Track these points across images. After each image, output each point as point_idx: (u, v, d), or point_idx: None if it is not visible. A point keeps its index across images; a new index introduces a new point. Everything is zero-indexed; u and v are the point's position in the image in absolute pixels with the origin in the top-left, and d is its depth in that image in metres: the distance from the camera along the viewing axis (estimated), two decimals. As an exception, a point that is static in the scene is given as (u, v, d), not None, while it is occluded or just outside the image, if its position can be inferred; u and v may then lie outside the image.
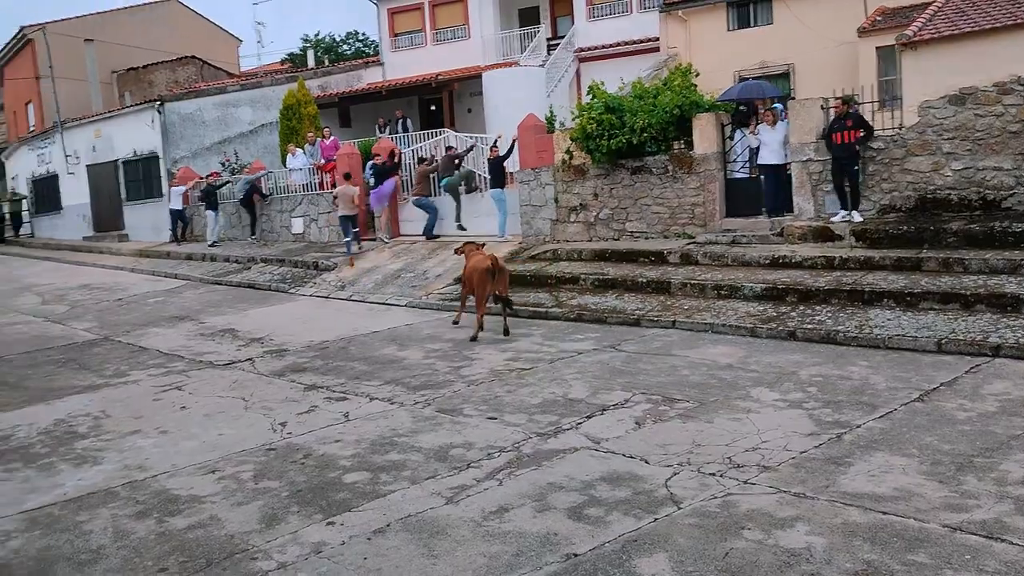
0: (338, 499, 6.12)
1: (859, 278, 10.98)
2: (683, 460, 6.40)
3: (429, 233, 17.62)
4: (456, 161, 17.70)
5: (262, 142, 26.38)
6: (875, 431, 6.78)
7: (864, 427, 6.89)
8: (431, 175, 18.03)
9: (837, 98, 12.93)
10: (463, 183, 17.48)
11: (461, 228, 17.01)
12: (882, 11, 20.14)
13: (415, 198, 18.00)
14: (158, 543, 5.61)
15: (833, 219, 12.63)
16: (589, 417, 7.61)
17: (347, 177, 18.35)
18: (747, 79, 16.36)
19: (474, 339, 11.10)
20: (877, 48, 19.18)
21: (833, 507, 5.43)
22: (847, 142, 12.42)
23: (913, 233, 11.60)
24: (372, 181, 18.42)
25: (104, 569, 5.30)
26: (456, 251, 12.60)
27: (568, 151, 15.57)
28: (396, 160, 18.63)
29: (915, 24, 17.22)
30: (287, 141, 22.48)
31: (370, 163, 18.90)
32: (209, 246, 22.17)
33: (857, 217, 12.42)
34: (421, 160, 18.87)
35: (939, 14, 17.46)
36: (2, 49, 39.99)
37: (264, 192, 22.00)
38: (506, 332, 11.24)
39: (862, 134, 12.45)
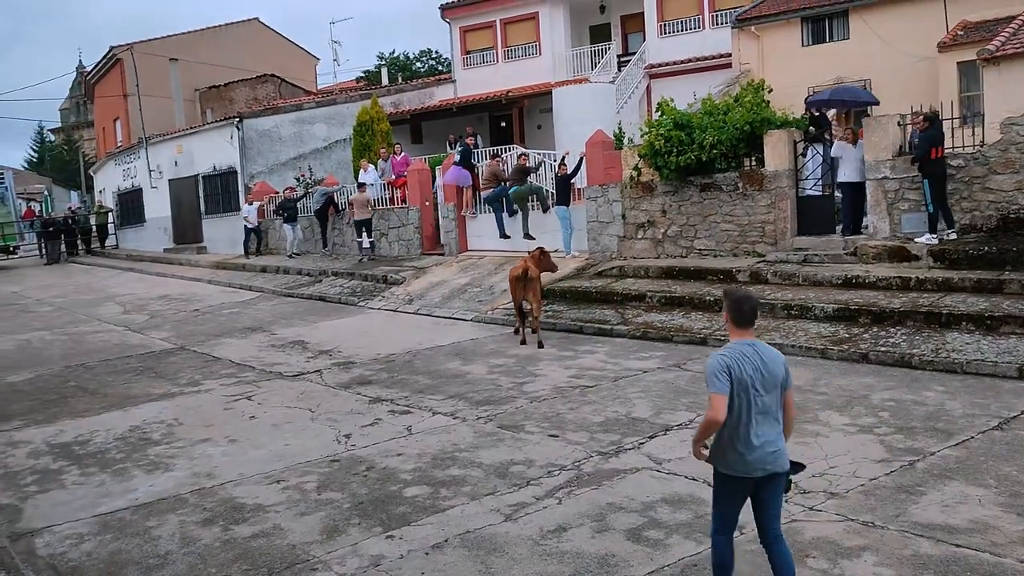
0: (398, 512, 6.17)
1: (936, 300, 10.62)
2: (747, 484, 6.26)
3: (502, 231, 17.92)
4: (526, 173, 17.78)
5: (336, 158, 26.92)
6: (950, 459, 6.54)
7: (938, 455, 6.65)
8: (500, 173, 18.32)
9: (916, 114, 12.55)
10: (531, 196, 17.55)
11: (528, 237, 17.07)
12: (964, 25, 19.53)
13: (486, 193, 18.29)
14: (223, 550, 5.74)
15: (919, 239, 12.16)
16: (652, 437, 7.53)
17: (361, 187, 20.74)
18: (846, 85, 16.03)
19: (522, 342, 11.90)
20: (958, 63, 18.60)
21: (903, 538, 5.25)
22: (940, 157, 12.00)
23: (995, 254, 11.18)
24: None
25: (170, 574, 5.45)
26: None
27: (636, 168, 15.49)
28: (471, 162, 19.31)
29: (998, 38, 16.66)
30: (360, 157, 22.91)
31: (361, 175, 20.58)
32: (289, 257, 22.73)
33: (952, 235, 11.99)
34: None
35: (1025, 27, 16.86)
36: (94, 68, 41.81)
37: (338, 206, 22.47)
38: (539, 345, 11.68)
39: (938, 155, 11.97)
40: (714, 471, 4.42)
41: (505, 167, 18.58)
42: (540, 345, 11.64)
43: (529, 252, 12.82)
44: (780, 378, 4.30)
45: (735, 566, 4.51)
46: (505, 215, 17.94)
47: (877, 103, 15.91)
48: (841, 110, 16.05)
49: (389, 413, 8.93)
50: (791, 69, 20.95)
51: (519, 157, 18.06)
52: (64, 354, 13.65)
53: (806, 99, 15.04)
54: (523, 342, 12.00)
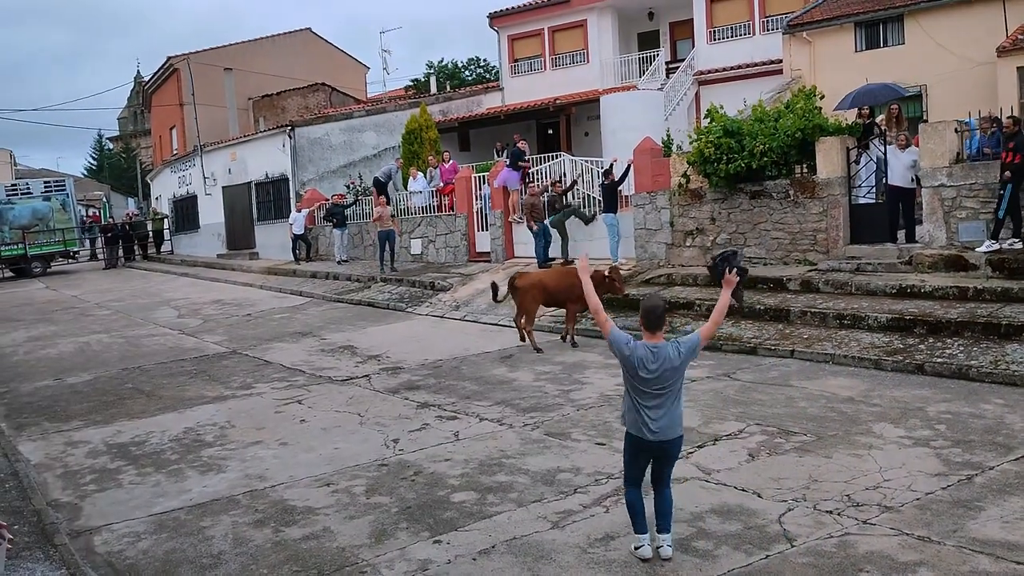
0: (445, 518, 6.20)
1: (995, 310, 10.36)
2: (798, 496, 6.18)
3: (541, 260, 17.43)
4: (561, 199, 17.39)
5: (384, 168, 27.21)
6: (1010, 474, 6.37)
7: (998, 469, 6.48)
8: (538, 206, 17.84)
9: (1009, 118, 12.21)
10: (573, 217, 17.23)
11: (568, 263, 16.71)
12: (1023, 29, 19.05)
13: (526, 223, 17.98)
14: (274, 552, 5.83)
15: (980, 247, 11.83)
16: (700, 447, 7.46)
17: (381, 196, 21.34)
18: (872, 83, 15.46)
19: (537, 350, 12.21)
20: (1018, 68, 18.14)
21: (961, 554, 5.13)
22: (1004, 163, 11.67)
23: (1057, 264, 10.87)
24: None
25: (223, 574, 5.55)
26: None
27: (685, 175, 15.39)
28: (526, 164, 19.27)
29: (1062, 42, 16.22)
30: (409, 165, 23.12)
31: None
32: (338, 263, 23.00)
33: (1017, 244, 11.65)
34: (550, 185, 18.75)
35: (1089, 31, 16.39)
36: (151, 78, 42.86)
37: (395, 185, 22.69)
38: (537, 349, 12.17)
39: (1020, 159, 11.59)
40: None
41: (543, 193, 17.74)
42: (537, 349, 12.18)
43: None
44: (675, 373, 5.10)
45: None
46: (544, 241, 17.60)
47: (904, 95, 15.62)
48: (880, 105, 15.59)
49: (436, 418, 8.99)
50: (844, 75, 20.59)
51: (553, 185, 17.60)
52: (121, 357, 13.99)
53: (835, 108, 14.77)
54: (535, 347, 12.30)
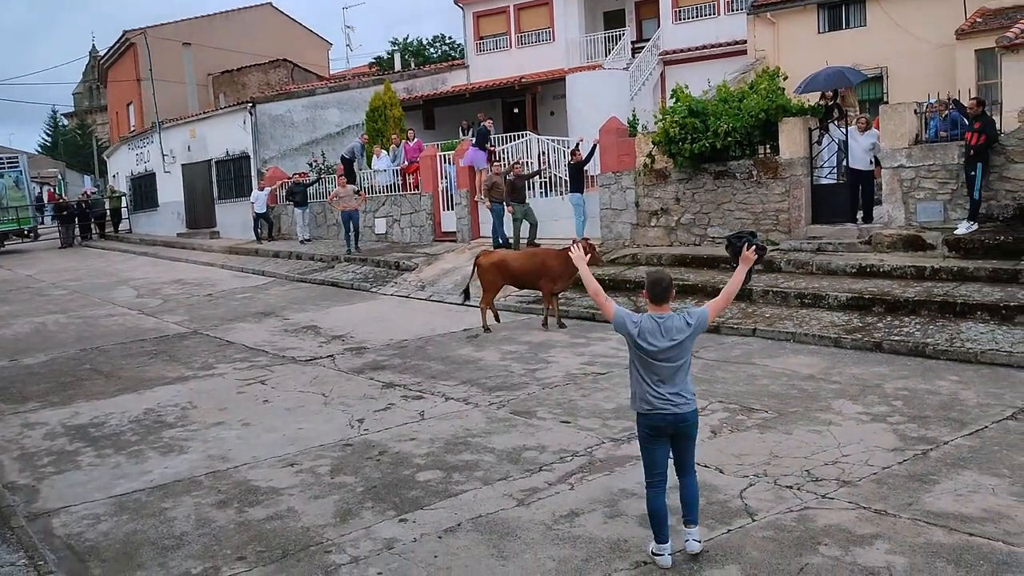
0: (411, 497, 6.20)
1: (951, 289, 10.57)
2: (759, 471, 6.28)
3: (496, 241, 17.06)
4: (523, 184, 16.88)
5: (349, 145, 26.95)
6: (963, 449, 6.52)
7: (952, 444, 6.63)
8: (500, 186, 17.48)
9: (973, 99, 12.36)
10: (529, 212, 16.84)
11: (533, 245, 16.25)
12: (982, 12, 19.32)
13: (486, 202, 17.70)
14: (237, 532, 5.79)
15: (959, 229, 11.89)
16: (664, 424, 7.52)
17: (344, 176, 21.24)
18: (831, 66, 15.36)
19: (486, 329, 12.23)
20: (976, 51, 18.42)
21: (916, 526, 5.25)
22: (970, 144, 11.83)
23: (1011, 244, 11.11)
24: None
25: (186, 555, 5.50)
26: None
27: (650, 155, 15.44)
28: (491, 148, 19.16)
29: (1017, 26, 16.49)
30: (373, 143, 22.91)
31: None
32: (301, 242, 22.78)
33: (975, 226, 11.80)
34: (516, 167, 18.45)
35: (1045, 15, 16.68)
36: (107, 52, 41.88)
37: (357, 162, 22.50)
38: (485, 328, 12.21)
39: (984, 140, 11.68)
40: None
41: (506, 173, 17.11)
42: (486, 328, 12.22)
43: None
44: (680, 339, 4.92)
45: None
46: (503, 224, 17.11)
47: (856, 82, 15.53)
48: (838, 88, 15.62)
49: (402, 398, 8.97)
50: (807, 56, 20.74)
51: (513, 167, 17.09)
52: (79, 337, 13.75)
53: (796, 90, 14.77)
54: (485, 326, 12.32)
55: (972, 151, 11.69)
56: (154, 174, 32.29)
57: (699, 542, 5.01)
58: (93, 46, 70.07)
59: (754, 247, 5.26)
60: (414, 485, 6.43)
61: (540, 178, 18.09)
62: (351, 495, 6.32)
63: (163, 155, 31.05)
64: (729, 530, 5.34)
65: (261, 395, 9.46)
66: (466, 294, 12.96)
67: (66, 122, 78.58)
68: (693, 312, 5.04)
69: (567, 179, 16.99)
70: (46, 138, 78.05)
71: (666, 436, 4.99)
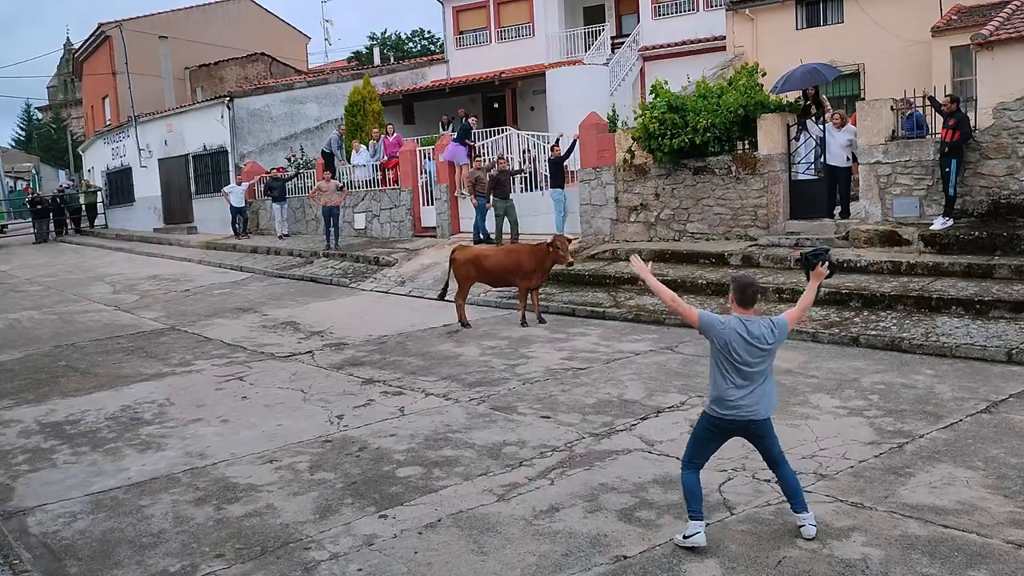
0: (391, 492, 6.19)
1: (927, 284, 10.68)
2: (738, 465, 6.32)
3: (476, 236, 17.03)
4: (507, 180, 16.75)
5: (327, 138, 26.79)
6: (939, 442, 6.60)
7: (927, 437, 6.71)
8: (482, 180, 17.44)
9: (947, 96, 12.46)
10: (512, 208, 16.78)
11: (515, 241, 16.29)
12: (957, 9, 19.50)
13: (469, 197, 17.66)
14: (216, 529, 5.76)
15: (935, 225, 11.99)
16: (644, 419, 7.56)
17: (325, 171, 20.80)
18: (806, 64, 15.23)
19: (464, 325, 12.23)
20: (951, 48, 18.58)
21: (892, 518, 5.31)
22: (945, 140, 11.93)
23: (985, 239, 11.24)
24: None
25: (164, 553, 5.46)
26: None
27: (630, 150, 15.47)
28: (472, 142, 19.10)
29: (992, 23, 16.66)
30: (352, 138, 22.80)
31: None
32: (279, 238, 22.64)
33: (949, 222, 11.90)
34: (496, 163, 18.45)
35: (1017, 12, 16.86)
36: (81, 45, 41.38)
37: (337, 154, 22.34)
38: (463, 324, 12.20)
39: (959, 136, 11.77)
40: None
41: (489, 170, 17.14)
42: (465, 325, 12.18)
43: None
44: (768, 347, 5.02)
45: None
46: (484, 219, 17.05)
47: (829, 79, 15.50)
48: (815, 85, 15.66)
49: (382, 394, 8.94)
50: (785, 52, 20.85)
51: (497, 161, 17.05)
52: (54, 334, 13.60)
53: (772, 89, 14.72)
54: (462, 322, 12.29)
55: (947, 147, 11.81)
56: (130, 168, 31.95)
57: (815, 526, 5.08)
58: (68, 39, 69.38)
59: (827, 263, 5.38)
60: (394, 481, 6.42)
61: (522, 175, 18.04)
62: (331, 491, 6.30)
63: (139, 149, 30.72)
64: (708, 524, 5.36)
65: (240, 392, 9.40)
66: (443, 293, 12.90)
67: (40, 116, 77.63)
68: (776, 321, 5.11)
69: (547, 175, 16.99)
70: (20, 132, 77.10)
71: (728, 436, 5.14)
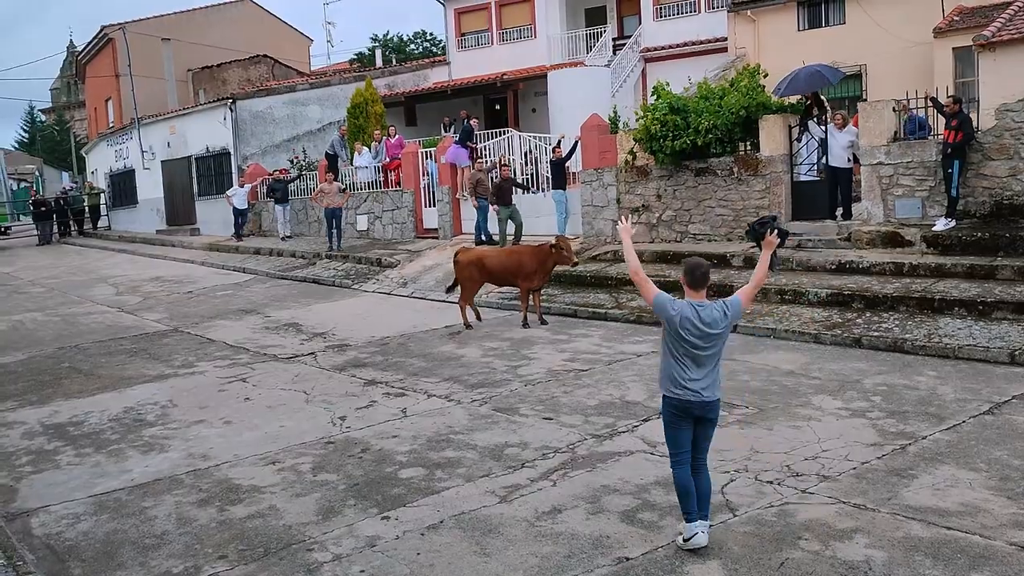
0: (393, 494, 6.20)
1: (929, 285, 10.67)
2: (740, 467, 6.32)
3: (479, 238, 17.04)
4: (509, 187, 16.53)
5: (329, 140, 26.82)
6: (941, 443, 6.59)
7: (930, 439, 6.70)
8: (484, 182, 17.40)
9: (950, 96, 12.46)
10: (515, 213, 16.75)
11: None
12: (960, 10, 19.49)
13: (471, 199, 17.60)
14: (219, 531, 5.77)
15: (937, 226, 11.97)
16: (646, 420, 7.56)
17: (328, 172, 20.93)
18: (808, 65, 15.02)
19: (467, 326, 12.28)
20: (954, 49, 18.56)
21: (895, 520, 5.30)
22: (947, 142, 11.92)
23: (988, 240, 11.23)
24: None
25: (167, 554, 5.47)
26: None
27: (631, 152, 15.47)
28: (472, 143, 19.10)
29: (994, 24, 16.63)
30: (354, 140, 22.82)
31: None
32: (282, 239, 22.67)
33: (951, 223, 11.88)
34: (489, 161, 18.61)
35: (1020, 13, 16.82)
36: (85, 47, 41.48)
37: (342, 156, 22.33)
38: (467, 325, 12.24)
39: (961, 137, 11.76)
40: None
41: (491, 172, 17.24)
42: (468, 326, 12.22)
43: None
44: (720, 331, 5.03)
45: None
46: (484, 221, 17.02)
47: (833, 82, 15.40)
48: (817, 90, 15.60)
49: (384, 395, 8.95)
50: (787, 54, 20.86)
51: (501, 168, 16.90)
52: (57, 335, 13.62)
53: (773, 92, 14.59)
54: (466, 323, 12.33)
55: (950, 148, 11.81)
56: (133, 170, 32.00)
57: (706, 534, 5.06)
58: (71, 41, 69.52)
59: (776, 231, 5.38)
60: (397, 482, 6.43)
61: (526, 188, 17.75)
62: (333, 493, 6.31)
63: (142, 151, 30.76)
64: (711, 525, 5.36)
65: (242, 393, 9.41)
66: (451, 287, 12.92)
67: (44, 118, 77.74)
68: (729, 302, 5.11)
69: (549, 176, 16.98)
70: (23, 134, 77.20)
71: (691, 419, 5.10)
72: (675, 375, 5.04)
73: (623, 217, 5.99)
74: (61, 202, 33.99)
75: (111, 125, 37.46)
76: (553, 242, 12.16)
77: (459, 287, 12.59)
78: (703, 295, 5.10)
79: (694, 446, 5.16)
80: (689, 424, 5.12)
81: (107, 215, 35.01)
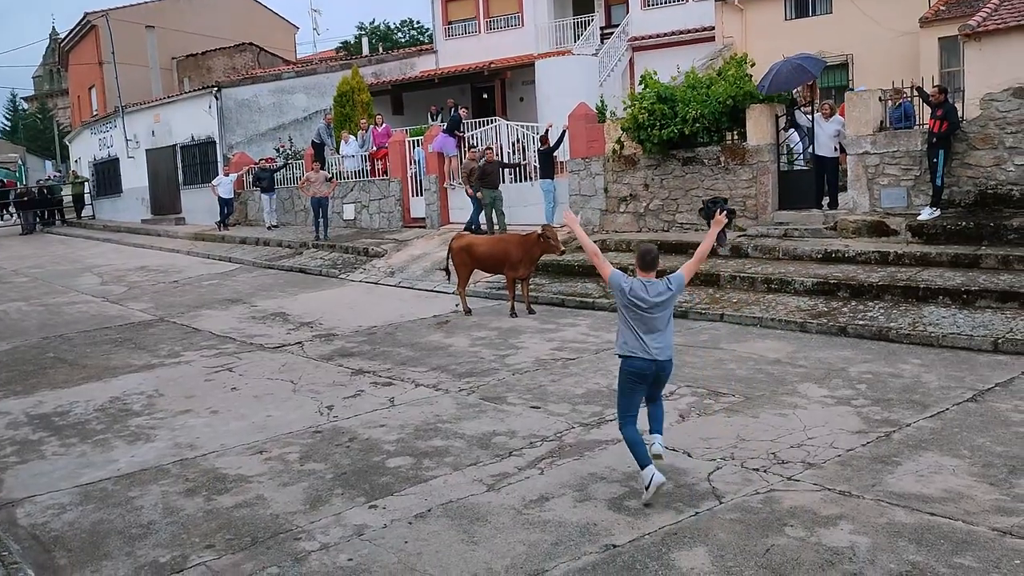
0: (381, 483, 6.20)
1: (914, 274, 10.74)
2: (726, 454, 6.36)
3: (469, 224, 16.94)
4: (496, 171, 16.55)
5: (316, 129, 26.67)
6: (925, 431, 6.65)
7: (914, 426, 6.76)
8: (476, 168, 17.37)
9: (935, 86, 12.50)
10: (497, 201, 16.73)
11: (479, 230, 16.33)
12: (946, 0, 19.56)
13: (466, 189, 17.57)
14: (206, 520, 5.76)
15: (922, 215, 12.01)
16: (633, 409, 7.57)
17: (315, 161, 20.87)
18: (789, 58, 14.83)
19: (467, 312, 12.49)
20: (939, 39, 18.64)
21: (879, 506, 5.35)
22: (933, 131, 11.96)
23: (972, 229, 11.31)
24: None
25: (154, 544, 5.46)
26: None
27: (619, 141, 15.47)
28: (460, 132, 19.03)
29: (980, 14, 16.71)
30: (340, 128, 22.71)
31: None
32: (268, 228, 22.57)
33: (936, 212, 11.95)
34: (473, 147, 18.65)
35: (1005, 3, 16.90)
36: (67, 35, 41.04)
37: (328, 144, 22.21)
38: (466, 311, 12.44)
39: (946, 127, 11.78)
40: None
41: (480, 159, 16.94)
42: (467, 312, 12.40)
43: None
44: (666, 299, 5.74)
45: None
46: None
47: (817, 75, 15.27)
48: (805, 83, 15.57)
49: (371, 385, 8.94)
50: (774, 43, 20.87)
51: (486, 151, 16.88)
52: (41, 325, 13.54)
53: (759, 87, 14.43)
54: (465, 309, 12.52)
55: (935, 138, 11.86)
56: (117, 159, 31.75)
57: (663, 446, 5.88)
58: (53, 28, 68.66)
59: (725, 211, 6.16)
60: (384, 471, 6.43)
61: (519, 169, 17.83)
62: (321, 482, 6.30)
63: (127, 140, 30.54)
64: (697, 512, 5.40)
65: (229, 383, 9.38)
66: (448, 272, 13.02)
67: (26, 106, 76.96)
68: (672, 277, 5.82)
69: (536, 165, 16.96)
70: (5, 122, 76.44)
71: (646, 383, 5.77)
72: (630, 341, 5.71)
73: (567, 211, 6.83)
74: (44, 191, 33.70)
75: (95, 113, 37.13)
76: (540, 231, 12.16)
77: (449, 270, 12.79)
78: (652, 275, 5.80)
79: (650, 395, 5.93)
80: (644, 388, 5.80)
81: (91, 204, 34.74)
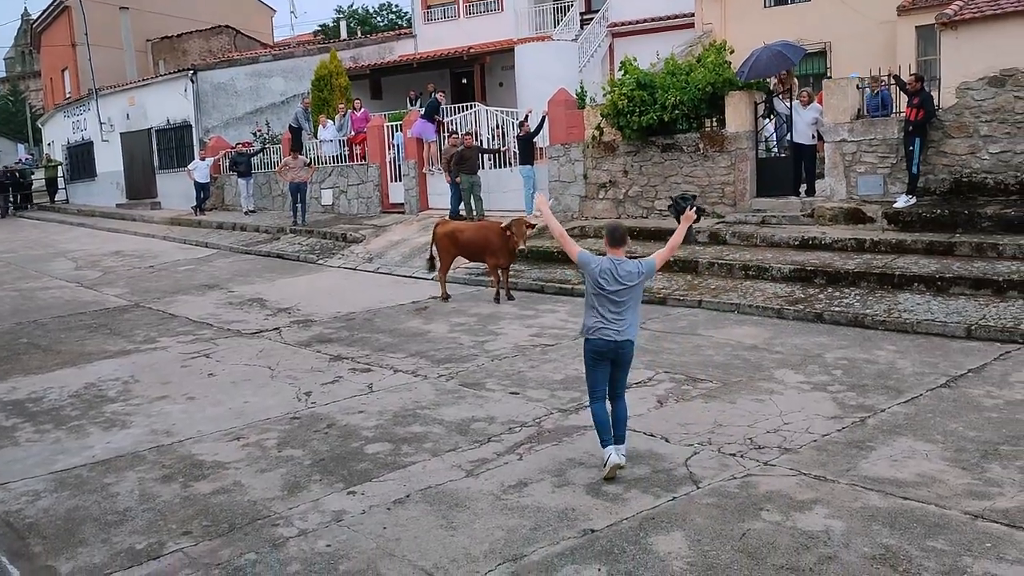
0: (359, 469, 6.19)
1: (889, 261, 10.84)
2: (704, 440, 6.40)
3: (453, 211, 16.89)
4: (475, 156, 16.48)
5: (293, 112, 26.43)
6: (899, 416, 6.73)
7: (888, 412, 6.84)
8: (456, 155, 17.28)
9: (912, 75, 12.58)
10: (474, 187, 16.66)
11: (481, 219, 16.19)
12: (924, -11, 19.65)
13: (446, 174, 17.49)
14: (182, 507, 5.72)
15: (898, 202, 12.13)
16: (611, 394, 7.60)
17: (292, 146, 20.76)
18: (769, 45, 14.78)
19: (446, 297, 12.49)
20: (917, 27, 18.73)
21: (853, 491, 5.41)
22: (909, 119, 12.04)
23: (947, 217, 11.42)
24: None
25: (130, 531, 5.42)
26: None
27: (599, 127, 15.46)
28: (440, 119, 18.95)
29: (956, 3, 16.81)
30: (318, 112, 22.52)
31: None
32: (245, 213, 22.38)
33: (912, 200, 12.05)
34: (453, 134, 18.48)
35: (982, -7, 17.01)
36: (40, 16, 40.32)
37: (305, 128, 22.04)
38: (445, 297, 12.46)
39: (922, 115, 11.89)
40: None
41: (461, 145, 16.75)
42: (446, 298, 12.39)
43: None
44: (635, 283, 5.81)
45: None
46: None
47: (796, 62, 15.24)
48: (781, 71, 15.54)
49: (350, 371, 8.92)
50: (753, 30, 20.88)
51: (464, 136, 16.80)
52: (14, 310, 13.36)
53: (738, 74, 14.39)
54: (444, 295, 12.49)
55: (911, 126, 11.95)
56: (92, 143, 31.32)
57: (624, 456, 5.82)
58: (25, 8, 67.56)
59: (695, 208, 6.42)
60: (363, 457, 6.42)
61: (499, 155, 17.77)
62: (299, 468, 6.28)
63: (101, 123, 30.11)
64: (674, 497, 5.44)
65: (206, 368, 9.32)
66: (432, 258, 12.90)
67: (-3, 88, 75.65)
68: (643, 262, 5.89)
69: (516, 151, 16.92)
70: (-24, 105, 75.06)
71: (607, 361, 5.82)
72: (593, 321, 5.78)
73: (539, 195, 6.96)
74: (16, 175, 33.18)
75: (68, 96, 36.56)
76: (506, 224, 12.05)
77: (433, 260, 12.74)
78: (622, 252, 5.84)
79: (613, 381, 5.90)
80: (606, 366, 5.83)
81: (65, 188, 34.26)
